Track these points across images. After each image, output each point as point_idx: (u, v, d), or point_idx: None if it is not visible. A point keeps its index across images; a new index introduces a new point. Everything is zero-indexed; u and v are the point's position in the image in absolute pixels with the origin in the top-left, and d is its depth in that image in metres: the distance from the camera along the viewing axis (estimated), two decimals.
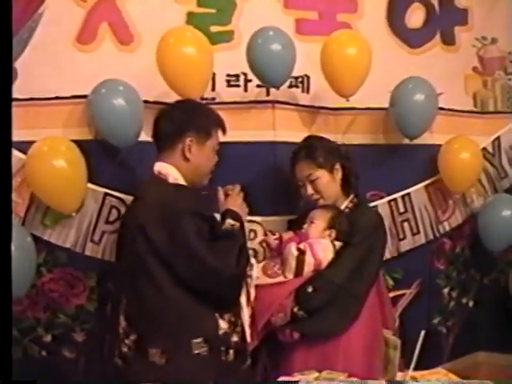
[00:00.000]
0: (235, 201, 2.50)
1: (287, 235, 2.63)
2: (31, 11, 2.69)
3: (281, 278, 2.50)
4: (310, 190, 2.65)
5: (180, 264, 2.21)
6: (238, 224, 2.39)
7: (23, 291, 2.56)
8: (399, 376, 2.01)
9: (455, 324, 3.44)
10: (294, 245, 2.51)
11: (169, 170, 2.35)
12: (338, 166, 2.68)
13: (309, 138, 2.78)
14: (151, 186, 2.37)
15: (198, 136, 2.38)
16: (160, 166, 2.37)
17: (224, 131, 2.49)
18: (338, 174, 2.68)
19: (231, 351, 2.28)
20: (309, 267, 2.49)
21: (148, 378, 2.10)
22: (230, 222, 2.38)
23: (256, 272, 2.46)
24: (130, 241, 2.28)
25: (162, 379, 2.10)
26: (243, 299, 2.39)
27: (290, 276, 2.49)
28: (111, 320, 2.38)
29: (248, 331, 2.39)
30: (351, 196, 2.72)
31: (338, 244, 2.55)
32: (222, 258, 2.22)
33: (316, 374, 2.12)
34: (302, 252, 2.48)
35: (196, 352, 2.20)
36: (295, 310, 2.45)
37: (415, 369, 2.05)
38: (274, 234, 2.67)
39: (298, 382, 2.05)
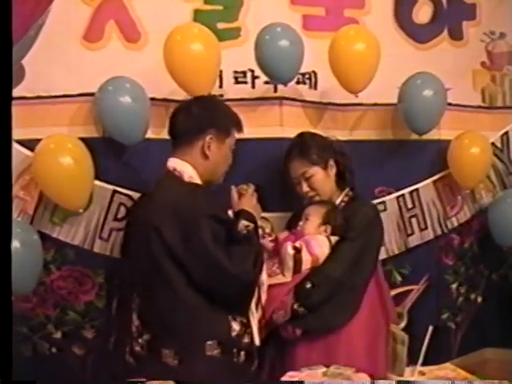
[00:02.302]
0: (250, 201, 2.45)
1: (282, 235, 2.64)
2: (41, 10, 2.68)
3: (280, 277, 2.50)
4: (305, 187, 2.66)
5: (196, 268, 2.17)
6: (252, 225, 2.35)
7: (30, 289, 2.58)
8: (407, 371, 2.01)
9: (464, 320, 3.43)
10: (289, 244, 2.51)
11: (184, 168, 2.30)
12: (331, 162, 2.68)
13: (301, 135, 2.77)
14: (165, 183, 2.32)
15: (218, 134, 2.34)
16: (175, 163, 2.32)
17: (241, 130, 2.46)
18: (333, 170, 2.69)
19: (242, 353, 2.25)
20: (306, 264, 2.50)
21: (161, 378, 2.07)
22: (244, 223, 2.33)
23: (265, 276, 2.43)
24: (144, 241, 2.23)
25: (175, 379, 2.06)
26: (253, 302, 2.36)
27: (289, 275, 2.50)
28: (120, 316, 2.35)
29: (257, 334, 2.36)
30: (346, 190, 2.72)
31: (333, 239, 2.56)
32: (239, 263, 2.19)
33: (324, 369, 2.12)
34: (298, 250, 2.49)
35: (209, 354, 2.17)
36: (295, 306, 2.46)
37: (423, 364, 2.05)
38: (270, 235, 2.67)
39: (302, 382, 2.04)
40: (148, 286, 2.24)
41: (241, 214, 2.38)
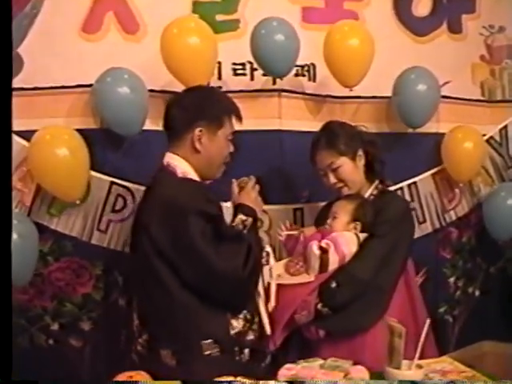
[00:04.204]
0: (249, 195, 2.36)
1: (309, 231, 2.51)
2: None
3: (304, 276, 2.38)
4: (332, 178, 2.52)
5: (185, 266, 2.11)
6: (250, 219, 2.26)
7: (26, 280, 2.57)
8: (404, 364, 2.00)
9: (461, 313, 3.45)
10: (315, 243, 2.37)
11: (177, 162, 2.23)
12: (360, 153, 2.55)
13: (328, 124, 2.64)
14: (159, 179, 2.26)
15: (209, 125, 2.24)
16: (169, 158, 2.25)
17: (239, 118, 2.34)
18: (361, 161, 2.56)
19: (246, 350, 2.20)
20: (333, 265, 2.36)
21: (162, 378, 1.99)
22: (241, 217, 2.25)
23: (273, 259, 2.39)
24: (137, 239, 2.22)
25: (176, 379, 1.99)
26: (261, 290, 2.30)
27: (313, 274, 2.37)
28: (127, 313, 2.29)
29: (267, 323, 2.29)
30: (376, 182, 2.60)
31: (362, 236, 2.42)
32: (228, 261, 2.12)
33: (321, 362, 2.12)
34: (324, 251, 2.35)
35: (207, 353, 2.12)
36: (319, 306, 2.35)
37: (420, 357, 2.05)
38: (293, 230, 2.56)
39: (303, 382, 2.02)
40: (143, 285, 2.20)
41: (239, 208, 2.31)
